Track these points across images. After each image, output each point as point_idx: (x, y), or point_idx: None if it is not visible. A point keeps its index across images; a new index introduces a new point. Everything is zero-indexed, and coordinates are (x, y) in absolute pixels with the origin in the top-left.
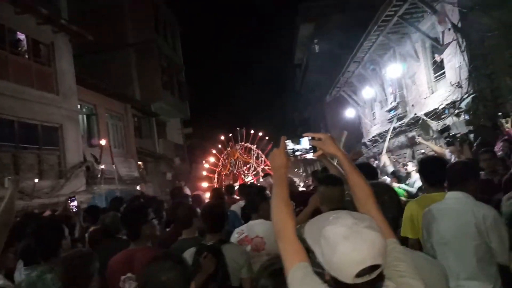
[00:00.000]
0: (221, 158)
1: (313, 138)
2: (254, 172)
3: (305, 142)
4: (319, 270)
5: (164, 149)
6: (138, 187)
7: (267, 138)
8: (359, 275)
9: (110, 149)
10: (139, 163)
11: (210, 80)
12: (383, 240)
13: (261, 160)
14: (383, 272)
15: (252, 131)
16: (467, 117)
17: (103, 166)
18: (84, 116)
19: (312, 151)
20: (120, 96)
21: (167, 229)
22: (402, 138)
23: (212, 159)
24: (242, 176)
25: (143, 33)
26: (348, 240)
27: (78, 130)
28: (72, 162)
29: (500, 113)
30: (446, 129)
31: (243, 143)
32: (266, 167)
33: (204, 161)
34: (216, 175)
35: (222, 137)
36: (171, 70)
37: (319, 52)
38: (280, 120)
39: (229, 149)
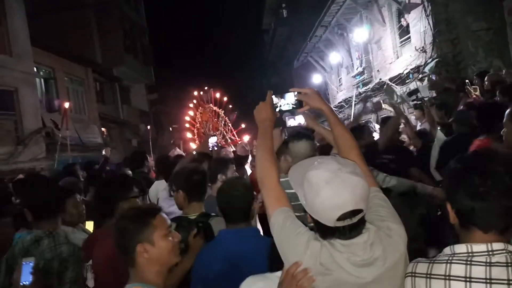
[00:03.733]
0: (198, 114)
1: (299, 93)
2: (223, 140)
3: (288, 98)
4: (301, 214)
5: (128, 115)
6: (103, 152)
7: (230, 106)
8: (340, 218)
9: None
10: (103, 129)
11: (176, 45)
12: (365, 186)
13: (229, 129)
14: (365, 217)
15: (218, 95)
16: (433, 77)
17: (68, 132)
18: (42, 80)
19: (294, 106)
20: (80, 59)
21: None
22: (367, 104)
23: (191, 113)
24: None
25: None
26: (330, 184)
27: (36, 95)
28: (30, 127)
29: (467, 80)
30: (414, 92)
31: (211, 105)
32: (233, 137)
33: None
34: (195, 130)
35: (196, 93)
36: (134, 33)
37: (287, 16)
38: (248, 86)
39: (200, 108)
